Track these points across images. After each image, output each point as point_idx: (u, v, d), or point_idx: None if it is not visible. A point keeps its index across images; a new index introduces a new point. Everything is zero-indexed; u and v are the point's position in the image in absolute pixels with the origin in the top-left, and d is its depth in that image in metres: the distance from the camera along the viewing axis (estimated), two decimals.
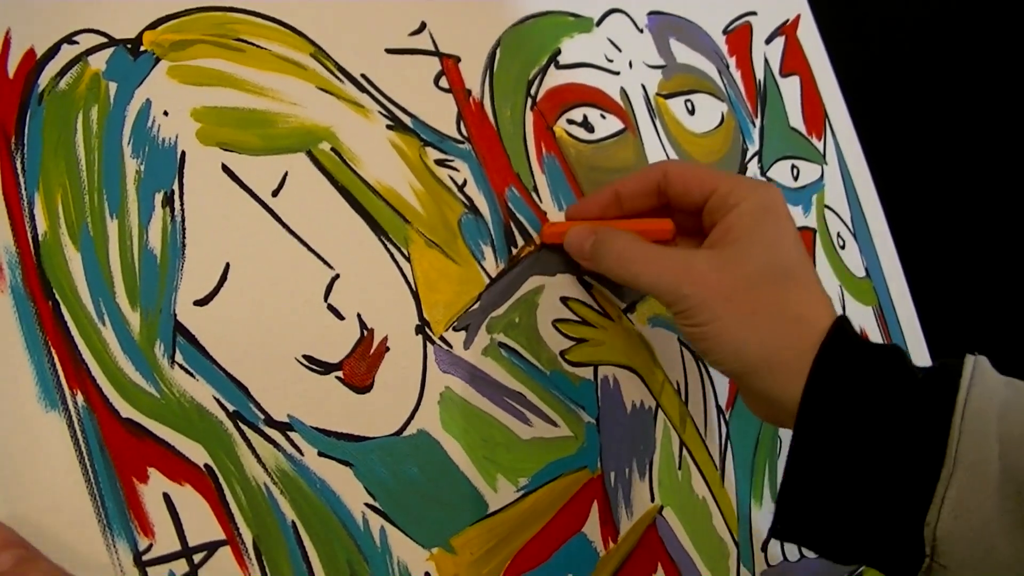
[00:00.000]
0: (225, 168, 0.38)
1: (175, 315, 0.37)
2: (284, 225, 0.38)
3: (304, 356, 0.37)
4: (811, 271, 0.40)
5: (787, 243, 0.39)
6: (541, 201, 0.44)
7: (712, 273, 0.38)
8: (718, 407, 0.37)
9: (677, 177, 0.42)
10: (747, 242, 0.39)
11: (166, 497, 0.36)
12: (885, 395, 0.34)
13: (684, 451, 0.37)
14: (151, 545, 0.35)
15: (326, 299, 0.37)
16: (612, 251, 0.40)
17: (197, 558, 0.36)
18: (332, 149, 0.39)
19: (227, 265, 0.37)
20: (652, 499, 0.38)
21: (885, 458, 0.33)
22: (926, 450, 0.32)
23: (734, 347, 0.37)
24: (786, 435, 0.38)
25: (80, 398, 0.37)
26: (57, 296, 0.37)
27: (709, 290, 0.38)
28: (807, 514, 0.34)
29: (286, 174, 0.38)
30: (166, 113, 0.39)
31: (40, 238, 0.38)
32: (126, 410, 0.36)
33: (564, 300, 0.39)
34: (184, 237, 0.38)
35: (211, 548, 0.36)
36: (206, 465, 0.36)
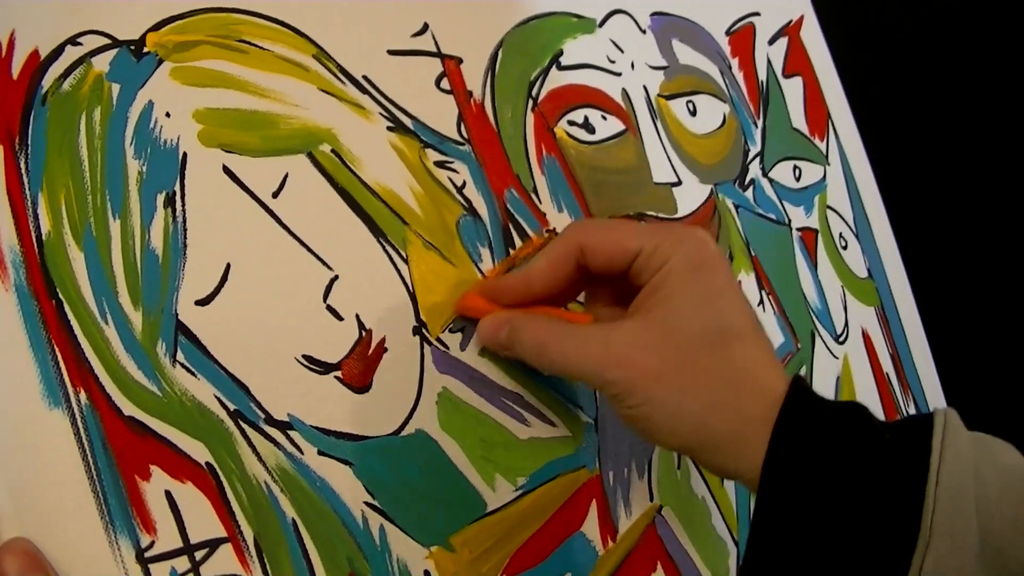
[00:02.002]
0: (226, 169, 0.39)
1: (177, 315, 0.37)
2: (284, 226, 0.38)
3: (304, 356, 0.37)
4: (755, 327, 0.36)
5: (724, 299, 0.35)
6: (541, 203, 0.44)
7: (636, 351, 0.35)
8: None
9: (595, 249, 0.37)
10: (676, 304, 0.35)
11: (168, 495, 0.36)
12: (854, 464, 0.32)
13: None
14: (153, 542, 0.36)
15: (325, 300, 0.38)
16: (529, 340, 0.37)
17: (199, 555, 0.36)
18: (332, 151, 0.39)
19: (228, 265, 0.38)
20: (651, 499, 0.39)
21: (858, 531, 0.31)
22: (901, 520, 0.30)
23: (671, 427, 0.34)
24: None
25: (83, 396, 0.37)
26: (60, 295, 0.38)
27: (635, 371, 0.34)
28: None
29: (287, 175, 0.39)
30: (168, 115, 0.39)
31: (44, 237, 0.38)
32: (128, 408, 0.37)
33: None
34: (185, 238, 0.38)
35: (212, 545, 0.36)
36: (207, 463, 0.36)
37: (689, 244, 0.36)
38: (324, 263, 0.38)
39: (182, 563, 0.36)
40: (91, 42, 0.40)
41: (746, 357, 0.34)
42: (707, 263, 0.35)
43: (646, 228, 0.38)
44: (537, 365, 0.38)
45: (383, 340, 0.37)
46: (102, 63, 0.40)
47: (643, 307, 0.36)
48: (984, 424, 0.34)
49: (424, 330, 0.37)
